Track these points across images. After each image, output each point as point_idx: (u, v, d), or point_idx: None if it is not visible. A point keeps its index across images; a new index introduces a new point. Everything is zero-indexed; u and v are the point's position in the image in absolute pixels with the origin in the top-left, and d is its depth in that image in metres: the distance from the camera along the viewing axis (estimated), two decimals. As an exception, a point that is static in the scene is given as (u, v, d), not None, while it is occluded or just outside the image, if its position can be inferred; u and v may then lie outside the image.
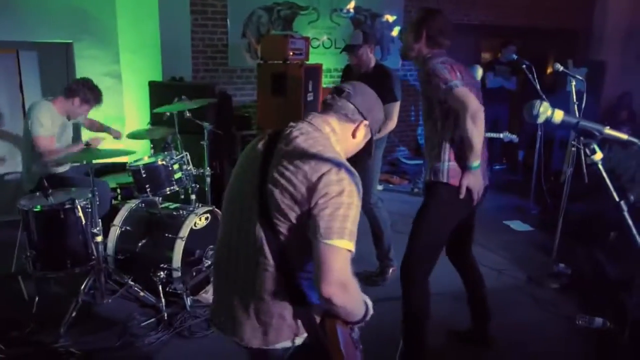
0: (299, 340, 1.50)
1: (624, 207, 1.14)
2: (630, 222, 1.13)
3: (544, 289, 3.58)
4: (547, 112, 1.30)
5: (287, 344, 1.50)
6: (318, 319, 1.48)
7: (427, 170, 2.48)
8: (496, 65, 6.65)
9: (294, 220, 1.38)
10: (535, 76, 4.74)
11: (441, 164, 2.36)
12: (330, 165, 1.37)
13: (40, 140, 3.43)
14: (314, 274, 1.33)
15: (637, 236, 1.11)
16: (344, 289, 1.32)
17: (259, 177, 1.44)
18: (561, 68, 3.38)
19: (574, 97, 3.36)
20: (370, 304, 1.62)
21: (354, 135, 1.57)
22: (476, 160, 2.29)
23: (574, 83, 3.38)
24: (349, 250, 1.33)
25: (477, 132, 2.21)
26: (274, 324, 1.47)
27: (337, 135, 1.53)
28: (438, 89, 2.25)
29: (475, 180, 2.34)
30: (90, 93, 3.57)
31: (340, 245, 1.30)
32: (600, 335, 3.00)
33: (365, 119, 1.57)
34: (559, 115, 1.30)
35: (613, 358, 2.71)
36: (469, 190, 2.34)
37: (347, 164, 1.44)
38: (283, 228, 1.40)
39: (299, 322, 1.47)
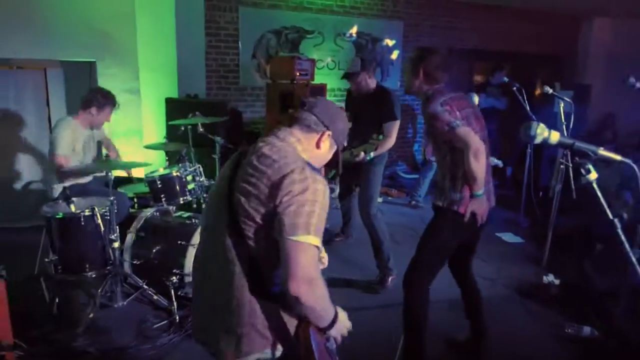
0: (278, 353, 1.43)
1: (618, 225, 1.12)
2: (623, 238, 1.11)
3: (534, 299, 3.54)
4: (544, 133, 1.29)
5: (263, 355, 1.41)
6: (293, 330, 1.41)
7: (439, 194, 2.50)
8: (488, 88, 6.66)
9: (260, 222, 1.33)
10: (525, 97, 4.76)
11: (456, 195, 2.40)
12: (294, 166, 1.33)
13: (56, 158, 3.41)
14: (282, 273, 1.27)
15: (630, 251, 1.09)
16: (311, 286, 1.26)
17: (227, 188, 1.41)
18: (550, 90, 3.38)
19: (562, 117, 3.35)
20: (343, 314, 1.58)
21: (318, 146, 1.52)
22: (480, 189, 2.35)
23: (562, 105, 3.37)
24: (316, 246, 1.27)
25: (479, 167, 2.28)
26: (246, 334, 1.38)
27: (303, 144, 1.49)
28: (442, 131, 2.30)
29: (479, 206, 2.38)
30: (104, 99, 3.54)
31: (307, 240, 1.25)
32: (588, 344, 2.97)
33: (327, 129, 1.52)
34: (555, 137, 1.28)
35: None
36: (473, 214, 2.39)
37: (313, 165, 1.41)
38: (251, 232, 1.35)
39: (272, 332, 1.39)
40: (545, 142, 1.27)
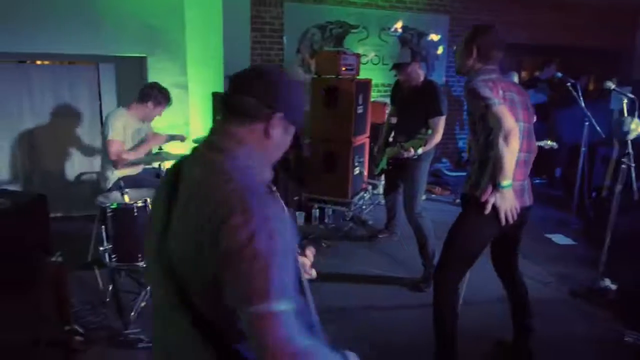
0: None
1: None
2: None
3: (589, 304, 3.39)
4: (638, 129, 1.21)
5: None
6: None
7: (466, 182, 2.37)
8: (538, 83, 6.43)
9: (203, 285, 0.99)
10: (580, 94, 4.56)
11: (483, 181, 2.25)
12: (231, 205, 0.96)
13: (111, 144, 3.51)
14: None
15: None
16: None
17: (161, 225, 1.08)
18: (612, 86, 3.21)
19: (626, 114, 3.18)
20: None
21: (267, 135, 1.10)
22: (505, 180, 2.14)
23: (625, 101, 3.19)
24: (282, 311, 0.93)
25: (508, 151, 2.10)
26: None
27: (246, 142, 1.09)
28: (478, 106, 2.18)
29: (503, 200, 2.17)
30: (161, 95, 3.66)
31: (268, 310, 0.92)
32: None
33: (276, 110, 1.09)
34: None
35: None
36: (495, 207, 2.19)
37: (259, 188, 1.03)
38: (196, 298, 1.02)
39: None
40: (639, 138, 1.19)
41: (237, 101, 1.09)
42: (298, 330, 0.95)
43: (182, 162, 1.15)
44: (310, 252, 1.44)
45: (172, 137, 3.96)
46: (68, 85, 4.70)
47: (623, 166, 3.15)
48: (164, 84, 3.82)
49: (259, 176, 1.10)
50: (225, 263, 0.94)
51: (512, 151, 2.10)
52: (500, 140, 2.09)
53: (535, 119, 2.41)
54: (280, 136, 1.13)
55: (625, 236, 3.90)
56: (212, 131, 1.14)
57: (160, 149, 3.08)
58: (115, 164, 3.57)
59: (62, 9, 4.28)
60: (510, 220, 2.22)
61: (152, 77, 4.68)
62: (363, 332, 2.99)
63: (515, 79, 5.83)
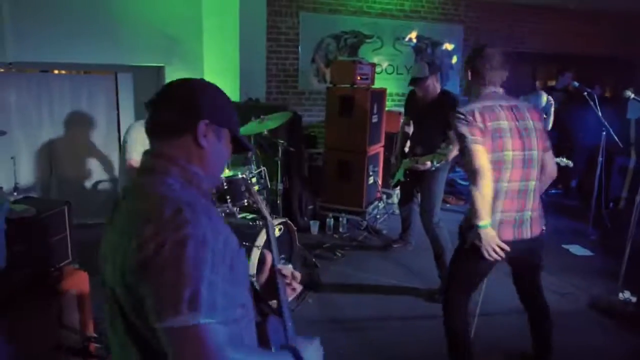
0: None
1: None
2: None
3: (608, 316, 3.32)
4: None
5: None
6: None
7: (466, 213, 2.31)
8: (553, 92, 6.38)
9: (133, 309, 0.93)
10: (597, 103, 4.52)
11: (469, 214, 2.18)
12: (145, 214, 0.91)
13: (129, 162, 3.51)
14: None
15: None
16: None
17: (102, 246, 1.04)
18: (632, 95, 3.18)
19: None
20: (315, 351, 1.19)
21: (199, 145, 1.03)
22: (479, 220, 2.06)
23: (646, 111, 3.16)
24: (200, 325, 0.84)
25: (476, 191, 2.05)
26: None
27: (178, 161, 1.02)
28: (459, 139, 2.16)
29: (481, 238, 2.08)
30: None
31: (182, 324, 0.83)
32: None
33: (199, 117, 1.03)
34: None
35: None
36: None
37: (181, 198, 0.95)
38: (133, 318, 0.95)
39: None
40: None
41: (158, 119, 1.04)
42: (223, 346, 0.85)
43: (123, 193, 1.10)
44: (289, 267, 1.37)
45: None
46: (86, 94, 4.77)
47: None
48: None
49: (195, 190, 1.03)
50: (138, 278, 0.88)
51: (481, 191, 2.04)
52: (471, 181, 2.07)
53: (546, 143, 2.27)
54: (213, 144, 1.06)
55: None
56: (145, 155, 1.07)
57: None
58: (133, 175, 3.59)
59: (80, 19, 4.35)
60: (496, 257, 2.13)
61: (169, 87, 4.75)
62: (379, 342, 2.96)
63: (543, 99, 5.67)
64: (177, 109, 1.04)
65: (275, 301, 1.31)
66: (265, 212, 1.55)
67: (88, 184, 4.89)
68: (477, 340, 2.93)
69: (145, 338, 0.94)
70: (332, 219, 4.75)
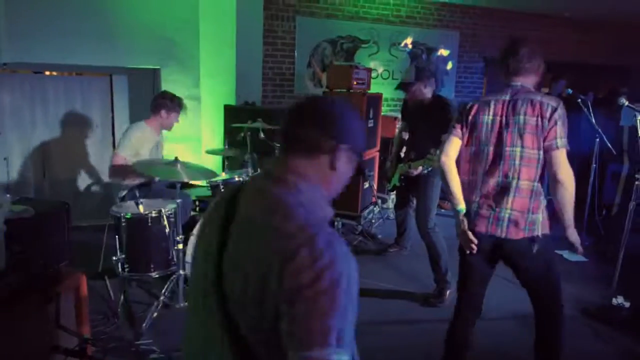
0: None
1: None
2: None
3: (602, 321, 3.38)
4: None
5: None
6: None
7: None
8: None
9: (255, 325, 0.95)
10: (591, 110, 4.59)
11: None
12: (298, 241, 0.92)
13: (114, 156, 3.54)
14: None
15: None
16: None
17: (216, 255, 1.03)
18: (626, 103, 3.25)
19: (638, 131, 3.21)
20: None
21: (332, 167, 1.07)
22: (456, 205, 2.26)
23: (638, 118, 3.23)
24: None
25: (445, 178, 2.25)
26: None
27: (310, 178, 1.05)
28: None
29: (457, 223, 2.28)
30: (171, 102, 3.69)
31: (326, 357, 0.86)
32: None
33: (340, 141, 1.07)
34: None
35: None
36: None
37: (325, 227, 0.98)
38: (247, 332, 0.97)
39: None
40: None
41: (299, 134, 1.06)
42: None
43: (237, 193, 1.10)
44: None
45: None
46: (81, 96, 4.78)
47: (637, 182, 3.18)
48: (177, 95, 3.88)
49: (322, 212, 1.05)
50: (287, 302, 0.89)
51: (446, 178, 2.25)
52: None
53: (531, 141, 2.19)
54: (344, 168, 1.10)
55: (638, 253, 3.91)
56: (274, 164, 1.09)
57: (176, 158, 3.12)
58: (111, 173, 3.59)
59: (75, 20, 4.37)
60: (467, 246, 2.25)
61: (165, 89, 4.75)
62: (374, 347, 2.98)
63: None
64: (322, 128, 1.06)
65: None
66: None
67: (81, 186, 4.89)
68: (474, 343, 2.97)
69: (253, 353, 0.97)
70: (327, 223, 4.77)
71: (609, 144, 4.66)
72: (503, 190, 2.16)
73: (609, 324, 3.34)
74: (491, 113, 2.18)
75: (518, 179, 2.14)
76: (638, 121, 3.21)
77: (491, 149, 2.18)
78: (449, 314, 3.36)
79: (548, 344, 2.48)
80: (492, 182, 2.18)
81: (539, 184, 2.17)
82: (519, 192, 2.15)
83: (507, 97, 2.18)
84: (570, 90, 4.68)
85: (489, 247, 2.24)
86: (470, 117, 2.22)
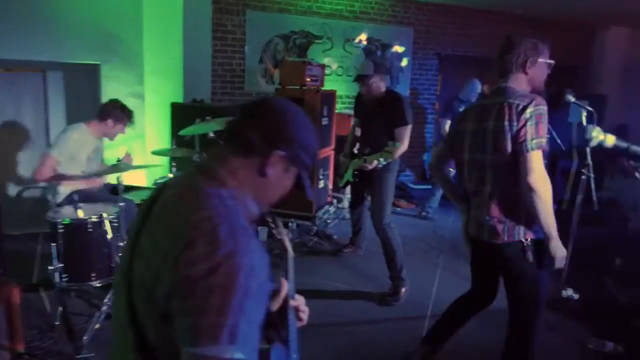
0: None
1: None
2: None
3: (553, 313, 3.56)
4: (599, 136, 1.34)
5: None
6: None
7: None
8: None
9: (157, 318, 0.94)
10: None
11: None
12: (200, 231, 0.91)
13: (45, 157, 3.42)
14: None
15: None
16: None
17: (130, 247, 1.04)
18: (572, 99, 3.43)
19: (585, 126, 3.41)
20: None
21: (262, 173, 1.06)
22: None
23: (584, 114, 3.42)
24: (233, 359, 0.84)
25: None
26: None
27: (238, 176, 1.05)
28: None
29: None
30: (122, 113, 3.61)
31: (216, 354, 0.83)
32: (611, 359, 2.99)
33: (276, 148, 1.05)
34: (611, 140, 1.34)
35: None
36: None
37: (235, 220, 0.96)
38: (149, 326, 0.97)
39: None
40: (600, 145, 1.32)
41: (239, 131, 1.07)
42: None
43: (167, 183, 1.12)
44: (301, 299, 1.43)
45: (114, 168, 3.50)
46: (10, 94, 4.57)
47: (583, 177, 3.38)
48: (119, 94, 3.80)
49: (243, 211, 1.03)
50: (179, 294, 0.88)
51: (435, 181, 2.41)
52: None
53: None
54: (278, 176, 1.09)
55: (586, 246, 4.15)
56: (209, 157, 1.10)
57: (119, 160, 3.05)
58: (35, 176, 3.47)
59: (4, 10, 4.17)
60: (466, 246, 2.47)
61: (105, 86, 4.63)
62: (333, 348, 3.03)
63: (477, 87, 6.02)
64: (263, 130, 1.05)
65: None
66: (288, 243, 1.49)
67: (12, 192, 4.68)
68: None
69: (149, 344, 0.97)
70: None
71: (558, 141, 4.91)
72: (481, 199, 2.21)
73: (560, 315, 3.53)
74: (469, 120, 2.27)
75: (489, 185, 2.16)
76: (584, 117, 3.41)
77: (469, 156, 2.25)
78: (404, 312, 3.49)
79: (514, 346, 2.49)
80: (472, 188, 2.27)
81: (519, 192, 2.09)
82: (492, 200, 2.16)
83: (487, 101, 2.22)
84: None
85: (476, 248, 2.41)
86: (451, 128, 2.37)
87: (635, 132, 7.08)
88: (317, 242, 4.83)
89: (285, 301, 1.33)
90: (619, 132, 7.14)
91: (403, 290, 3.67)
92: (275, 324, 1.29)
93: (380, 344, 3.10)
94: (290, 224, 4.83)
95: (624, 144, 1.28)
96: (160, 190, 1.10)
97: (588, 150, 3.06)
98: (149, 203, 1.08)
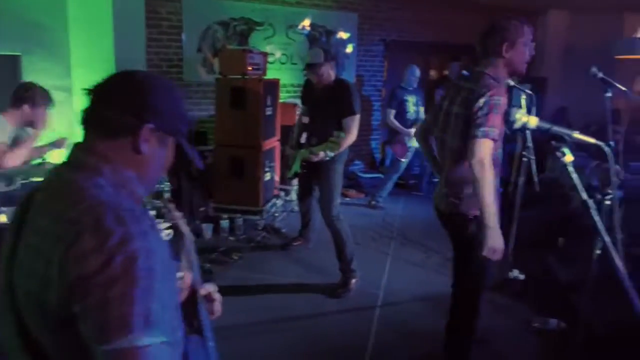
0: None
1: (592, 205, 1.23)
2: (597, 218, 1.22)
3: (500, 295, 3.72)
4: (522, 118, 1.40)
5: None
6: None
7: None
8: (445, 82, 6.93)
9: (53, 327, 0.89)
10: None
11: None
12: (81, 226, 0.86)
13: None
14: None
15: (603, 231, 1.20)
16: None
17: (7, 266, 0.97)
18: (512, 82, 3.56)
19: (524, 109, 3.55)
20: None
21: (137, 150, 1.01)
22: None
23: (523, 97, 3.56)
24: (154, 345, 0.82)
25: None
26: None
27: (112, 161, 0.99)
28: None
29: None
30: (38, 96, 3.36)
31: (130, 345, 0.80)
32: (555, 336, 3.17)
33: (144, 121, 1.00)
34: (533, 121, 1.40)
35: (569, 356, 2.85)
36: None
37: (122, 204, 0.93)
38: (46, 340, 0.93)
39: None
40: (524, 126, 1.38)
41: (99, 113, 1.00)
42: None
43: (37, 187, 1.04)
44: (214, 289, 1.41)
45: (52, 145, 3.62)
46: None
47: (524, 159, 3.53)
48: (44, 87, 3.59)
49: (127, 194, 0.99)
50: (76, 297, 0.83)
51: None
52: None
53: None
54: (155, 150, 1.04)
55: (530, 227, 4.35)
56: (75, 148, 1.02)
57: (43, 159, 2.91)
58: None
59: None
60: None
61: (28, 78, 4.37)
62: (285, 343, 3.04)
63: (417, 72, 6.15)
64: (120, 106, 0.99)
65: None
66: (184, 227, 1.44)
67: None
68: (382, 329, 3.15)
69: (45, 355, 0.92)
70: (227, 221, 4.74)
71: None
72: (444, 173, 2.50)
73: (506, 296, 3.70)
74: (444, 99, 2.48)
75: (446, 163, 2.43)
76: (522, 100, 3.55)
77: (438, 135, 2.50)
78: (355, 303, 3.55)
79: (456, 327, 2.70)
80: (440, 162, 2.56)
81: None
82: (446, 176, 2.44)
83: (463, 84, 2.37)
84: (466, 73, 5.04)
85: (440, 219, 2.58)
86: (442, 99, 2.49)
87: (575, 114, 7.48)
88: (265, 236, 4.81)
89: (193, 289, 1.32)
90: (559, 114, 7.59)
91: (353, 281, 3.72)
92: (186, 314, 1.26)
93: (332, 336, 3.14)
94: (236, 219, 4.78)
95: (546, 125, 1.35)
96: (29, 197, 1.03)
97: (528, 133, 3.20)
98: (19, 214, 1.01)
